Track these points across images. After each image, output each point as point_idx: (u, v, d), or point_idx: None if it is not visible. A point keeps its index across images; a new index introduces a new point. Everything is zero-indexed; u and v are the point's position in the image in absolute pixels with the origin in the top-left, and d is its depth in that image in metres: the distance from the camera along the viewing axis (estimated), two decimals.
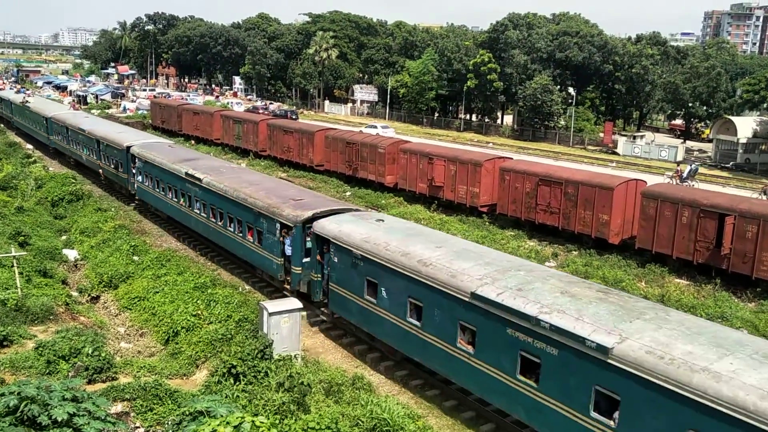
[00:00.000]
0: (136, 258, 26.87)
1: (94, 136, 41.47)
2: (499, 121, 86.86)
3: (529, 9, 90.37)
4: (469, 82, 76.26)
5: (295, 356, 17.42)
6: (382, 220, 20.76)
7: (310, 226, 21.15)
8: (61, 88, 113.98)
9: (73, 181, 39.84)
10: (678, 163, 53.00)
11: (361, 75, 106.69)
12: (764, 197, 39.97)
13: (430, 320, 16.13)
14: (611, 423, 12.18)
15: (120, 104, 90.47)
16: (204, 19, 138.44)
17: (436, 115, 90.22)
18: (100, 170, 41.04)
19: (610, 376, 12.14)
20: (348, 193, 40.62)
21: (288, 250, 22.18)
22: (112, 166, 38.65)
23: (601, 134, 70.48)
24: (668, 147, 62.12)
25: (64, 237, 31.56)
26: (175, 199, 30.48)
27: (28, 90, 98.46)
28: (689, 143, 70.81)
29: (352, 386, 16.22)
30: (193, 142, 59.33)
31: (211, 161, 33.80)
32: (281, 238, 22.41)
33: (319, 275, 20.82)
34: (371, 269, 18.02)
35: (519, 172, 32.46)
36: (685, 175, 45.55)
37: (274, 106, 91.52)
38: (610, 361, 12.09)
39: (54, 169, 47.32)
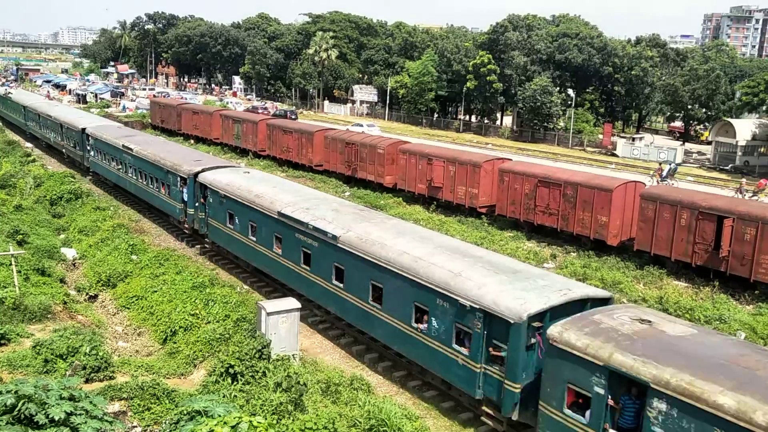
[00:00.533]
0: (134, 257, 26.83)
1: (58, 121, 49.12)
2: (498, 122, 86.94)
3: (528, 11, 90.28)
4: (468, 83, 76.30)
5: (293, 356, 17.41)
6: (248, 172, 28.47)
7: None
8: (61, 87, 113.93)
9: (72, 179, 39.82)
10: (660, 163, 54.05)
11: (360, 75, 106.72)
12: (740, 196, 41.15)
13: (260, 233, 23.57)
14: (342, 285, 19.23)
15: (119, 103, 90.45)
16: (204, 18, 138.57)
17: (436, 115, 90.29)
18: (63, 150, 48.79)
19: (340, 255, 19.21)
20: (347, 193, 40.61)
21: (185, 197, 29.00)
22: (72, 145, 46.49)
23: (601, 136, 70.58)
24: (667, 149, 62.21)
25: (62, 236, 31.52)
26: (117, 167, 37.61)
27: (11, 84, 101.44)
28: (688, 145, 70.86)
29: (350, 386, 16.21)
30: (192, 141, 59.30)
31: (145, 137, 41.59)
32: (181, 188, 29.33)
33: (203, 214, 27.72)
34: (230, 204, 25.34)
35: (518, 173, 32.46)
36: (665, 173, 47.53)
37: (269, 104, 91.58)
38: (338, 244, 19.22)
39: (52, 167, 47.28)
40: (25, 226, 28.86)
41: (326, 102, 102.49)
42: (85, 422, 9.94)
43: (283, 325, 17.72)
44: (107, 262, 26.57)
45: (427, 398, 17.07)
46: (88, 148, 42.39)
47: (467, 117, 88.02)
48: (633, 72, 72.63)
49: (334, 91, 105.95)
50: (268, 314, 17.54)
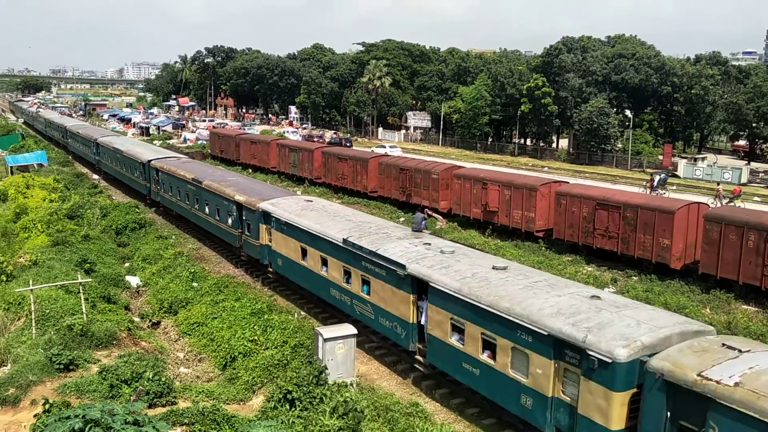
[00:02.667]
0: (195, 284, 27.42)
1: (64, 128, 77.20)
2: (554, 144, 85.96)
3: (583, 32, 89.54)
4: (523, 107, 75.80)
5: (349, 382, 17.41)
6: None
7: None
8: (125, 121, 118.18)
9: (137, 210, 41.11)
10: (651, 173, 55.94)
11: (414, 102, 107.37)
12: (717, 202, 41.90)
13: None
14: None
15: (181, 135, 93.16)
16: (261, 50, 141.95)
17: (490, 140, 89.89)
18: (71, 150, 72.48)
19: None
20: (401, 219, 40.68)
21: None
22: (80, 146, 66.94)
23: (660, 157, 68.88)
24: (731, 169, 60.25)
25: (127, 264, 32.51)
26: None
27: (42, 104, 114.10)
28: (754, 165, 68.46)
29: (406, 413, 16.09)
30: (250, 170, 60.59)
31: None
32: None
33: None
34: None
35: (575, 196, 31.97)
36: (655, 184, 49.31)
37: (325, 132, 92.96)
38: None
39: (117, 198, 48.95)
40: (92, 255, 29.87)
41: (380, 129, 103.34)
42: None
43: (339, 351, 17.77)
44: (169, 290, 27.23)
45: (485, 426, 16.78)
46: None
47: (522, 140, 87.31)
48: (693, 91, 70.88)
49: (388, 117, 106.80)
50: (325, 340, 17.61)
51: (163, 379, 16.98)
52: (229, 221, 31.16)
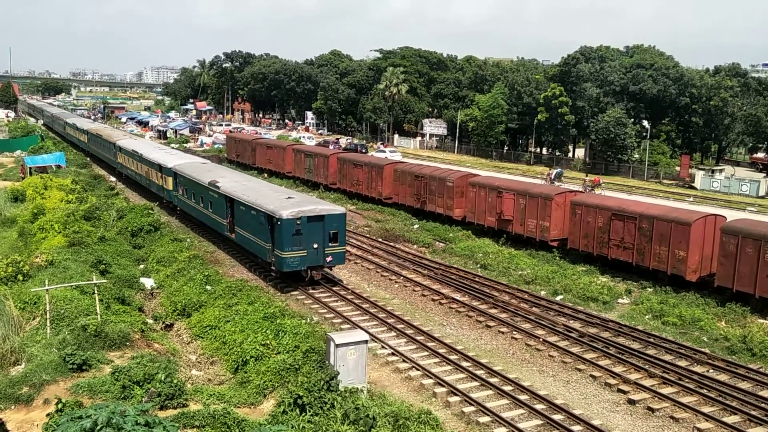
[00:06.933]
0: (208, 287, 27.54)
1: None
2: (570, 154, 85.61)
3: (601, 42, 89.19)
4: (539, 116, 75.64)
5: (361, 389, 17.39)
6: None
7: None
8: (143, 124, 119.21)
9: (151, 212, 41.38)
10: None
11: (430, 109, 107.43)
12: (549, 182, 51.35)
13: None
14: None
15: (197, 139, 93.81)
16: (279, 56, 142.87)
17: (506, 148, 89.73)
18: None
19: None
20: (416, 226, 40.66)
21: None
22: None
23: (678, 168, 68.43)
24: (750, 181, 59.71)
25: (141, 266, 32.72)
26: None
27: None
28: None
29: (417, 421, 16.04)
30: (266, 175, 60.84)
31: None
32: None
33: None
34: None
35: (591, 206, 31.81)
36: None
37: (343, 140, 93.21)
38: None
39: (134, 200, 49.31)
40: (108, 257, 30.10)
41: (396, 136, 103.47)
42: None
43: (351, 356, 17.76)
44: (183, 292, 27.36)
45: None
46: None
47: (538, 149, 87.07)
48: (712, 102, 70.41)
49: (404, 124, 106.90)
50: (337, 346, 17.62)
51: (174, 382, 17.06)
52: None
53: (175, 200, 42.34)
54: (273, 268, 28.93)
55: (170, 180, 42.06)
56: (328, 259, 28.27)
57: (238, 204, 31.31)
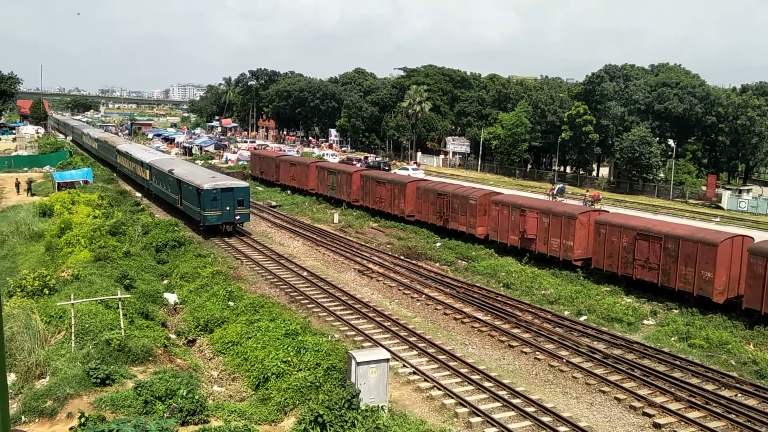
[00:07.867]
0: (231, 303, 27.64)
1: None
2: (594, 173, 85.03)
3: (626, 61, 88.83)
4: (563, 134, 75.33)
5: (381, 407, 17.28)
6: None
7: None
8: (169, 140, 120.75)
9: (176, 228, 41.79)
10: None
11: (453, 127, 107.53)
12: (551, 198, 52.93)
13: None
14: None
15: (222, 155, 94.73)
16: (303, 74, 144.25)
17: (529, 166, 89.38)
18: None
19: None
20: (438, 244, 40.55)
21: None
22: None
23: (704, 187, 67.59)
24: None
25: (165, 281, 32.97)
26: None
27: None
28: None
29: None
30: (289, 192, 61.17)
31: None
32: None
33: None
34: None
35: (615, 225, 31.51)
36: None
37: (371, 158, 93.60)
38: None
39: (159, 216, 49.85)
40: (132, 272, 30.38)
41: (419, 153, 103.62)
42: None
43: (372, 375, 17.67)
44: (206, 308, 27.50)
45: None
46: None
47: (562, 168, 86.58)
48: (739, 121, 69.60)
49: (427, 142, 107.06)
50: (358, 364, 17.54)
51: (196, 397, 17.09)
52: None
53: (151, 187, 55.86)
54: (201, 224, 42.78)
55: (148, 172, 56.15)
56: (237, 217, 42.34)
57: (183, 183, 45.76)
